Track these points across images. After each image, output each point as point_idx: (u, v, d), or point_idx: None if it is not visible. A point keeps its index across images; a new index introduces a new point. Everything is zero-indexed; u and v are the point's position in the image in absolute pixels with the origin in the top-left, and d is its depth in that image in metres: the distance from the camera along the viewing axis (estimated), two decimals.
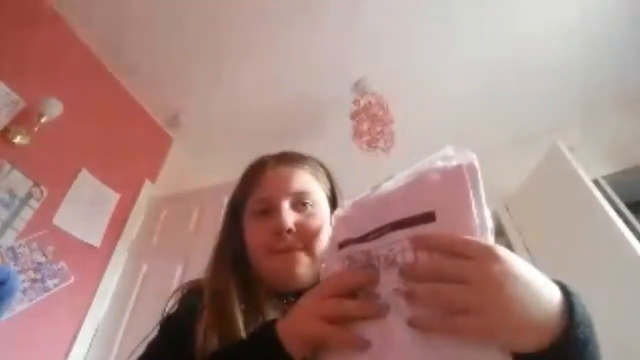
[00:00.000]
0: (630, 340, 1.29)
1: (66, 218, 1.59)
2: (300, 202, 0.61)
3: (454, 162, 0.38)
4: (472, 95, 2.10)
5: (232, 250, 0.63)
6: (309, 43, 1.87)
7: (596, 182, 1.68)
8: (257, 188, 0.63)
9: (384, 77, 1.96)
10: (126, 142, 2.03)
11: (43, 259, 1.46)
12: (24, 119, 1.49)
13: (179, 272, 1.70)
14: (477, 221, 0.34)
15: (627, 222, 1.48)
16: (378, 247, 0.37)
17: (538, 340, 0.30)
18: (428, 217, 0.35)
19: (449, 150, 0.40)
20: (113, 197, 1.85)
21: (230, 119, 2.27)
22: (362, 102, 1.88)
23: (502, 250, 0.32)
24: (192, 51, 1.92)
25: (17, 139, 1.45)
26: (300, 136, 2.33)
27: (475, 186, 0.36)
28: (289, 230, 0.57)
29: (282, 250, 0.57)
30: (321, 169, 0.72)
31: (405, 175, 0.42)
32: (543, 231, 1.81)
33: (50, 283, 1.47)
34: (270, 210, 0.60)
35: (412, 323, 0.32)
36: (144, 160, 2.13)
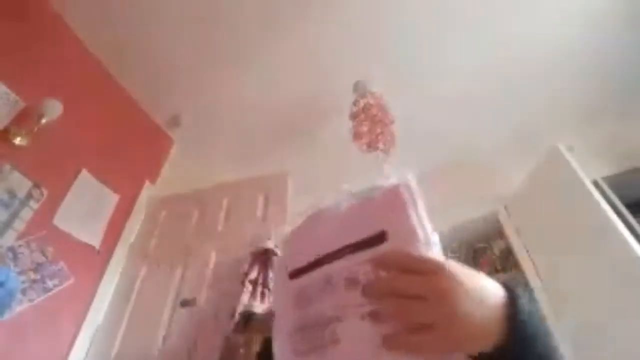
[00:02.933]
0: (630, 340, 1.29)
1: (66, 219, 1.59)
2: None
3: (393, 182, 0.40)
4: (471, 96, 2.10)
5: None
6: (309, 44, 1.87)
7: (595, 183, 1.69)
8: None
9: (384, 78, 1.96)
10: (126, 143, 2.03)
11: (43, 260, 1.46)
12: (24, 119, 1.49)
13: (178, 273, 1.70)
14: (422, 238, 0.36)
15: (626, 222, 1.49)
16: (335, 271, 0.37)
17: (488, 343, 0.33)
18: (381, 237, 0.36)
19: (387, 170, 0.41)
20: (113, 198, 1.85)
21: (230, 120, 2.27)
22: (362, 103, 1.88)
23: (449, 264, 0.34)
24: (192, 52, 1.93)
25: (17, 140, 1.45)
26: (300, 137, 2.33)
27: (415, 204, 0.38)
28: None
29: None
30: None
31: (349, 198, 0.42)
32: (542, 232, 1.82)
33: (50, 283, 1.46)
34: None
35: (385, 344, 0.32)
36: (144, 161, 2.13)
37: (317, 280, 0.38)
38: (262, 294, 1.37)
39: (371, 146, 1.86)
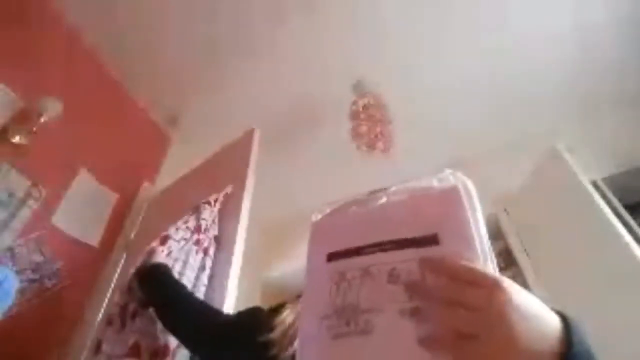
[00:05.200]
0: (629, 341, 1.29)
1: (65, 218, 1.59)
2: None
3: (450, 183, 0.39)
4: (470, 97, 2.10)
5: None
6: (308, 44, 1.87)
7: (595, 184, 1.69)
8: None
9: (383, 79, 1.96)
10: (125, 143, 2.02)
11: (41, 259, 1.46)
12: (22, 118, 1.48)
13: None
14: (479, 248, 0.35)
15: (625, 223, 1.49)
16: (378, 262, 0.37)
17: None
18: (432, 240, 0.36)
19: (446, 174, 0.40)
20: (112, 197, 1.84)
21: (228, 120, 2.27)
22: (361, 102, 1.89)
23: (507, 282, 0.34)
24: (191, 52, 1.92)
25: (16, 139, 1.45)
26: (299, 137, 2.33)
27: (473, 209, 0.37)
28: None
29: None
30: None
31: (400, 191, 0.42)
32: (541, 233, 1.82)
33: (48, 283, 1.46)
34: None
35: (422, 343, 0.33)
36: (142, 161, 2.13)
37: (357, 268, 0.38)
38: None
39: (370, 146, 1.86)
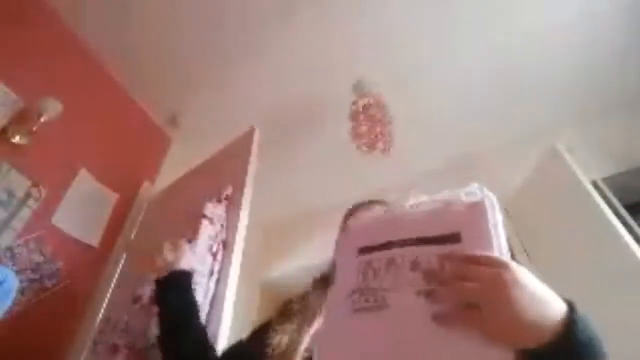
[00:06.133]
0: (629, 340, 1.29)
1: (65, 218, 1.59)
2: None
3: (477, 198, 0.43)
4: (471, 97, 2.10)
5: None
6: (308, 44, 1.87)
7: (595, 184, 1.69)
8: None
9: (383, 78, 1.97)
10: (125, 143, 2.03)
11: (41, 259, 1.46)
12: (22, 118, 1.48)
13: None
14: (497, 253, 0.39)
15: (625, 224, 1.49)
16: (403, 254, 0.41)
17: (537, 337, 0.35)
18: (454, 238, 0.40)
19: (473, 188, 0.45)
20: (112, 197, 1.84)
21: (229, 120, 2.27)
22: (361, 103, 1.88)
23: (516, 265, 0.38)
24: (191, 52, 1.92)
25: (16, 139, 1.45)
26: (299, 137, 2.33)
27: (495, 221, 0.41)
28: None
29: None
30: None
31: (429, 202, 0.46)
32: (541, 233, 1.82)
33: (48, 283, 1.46)
34: None
35: (435, 318, 0.36)
36: (142, 161, 2.13)
37: (384, 258, 0.43)
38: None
39: (370, 146, 1.86)
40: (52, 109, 1.53)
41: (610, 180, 1.81)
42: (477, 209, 0.42)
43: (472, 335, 0.35)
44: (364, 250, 0.45)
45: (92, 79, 1.91)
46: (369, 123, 1.84)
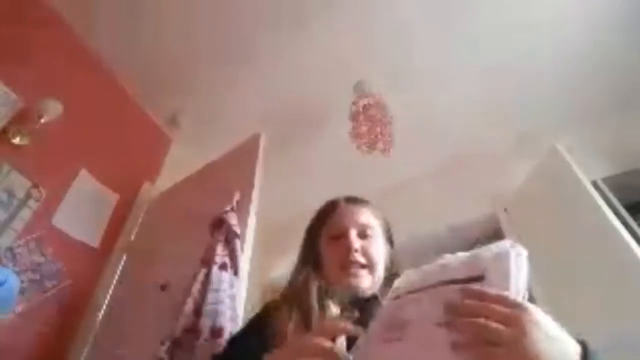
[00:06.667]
0: (630, 341, 1.29)
1: (65, 219, 1.59)
2: (363, 233, 0.82)
3: (506, 249, 0.46)
4: (471, 98, 2.10)
5: (309, 265, 0.83)
6: (308, 45, 1.87)
7: (595, 184, 1.69)
8: (331, 220, 0.85)
9: (384, 79, 1.97)
10: (125, 143, 2.03)
11: (42, 260, 1.46)
12: (23, 119, 1.48)
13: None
14: (513, 292, 0.41)
15: (625, 224, 1.49)
16: (429, 292, 0.46)
17: None
18: (478, 279, 0.43)
19: (504, 242, 0.48)
20: (112, 198, 1.85)
21: (229, 120, 2.27)
22: (362, 103, 1.89)
23: (533, 308, 0.40)
24: (192, 52, 1.93)
25: (17, 140, 1.45)
26: (299, 137, 2.33)
27: (518, 270, 0.43)
28: (356, 250, 0.78)
29: (351, 263, 0.76)
30: (378, 211, 0.91)
31: (463, 255, 0.50)
32: (542, 233, 1.82)
33: (48, 283, 1.46)
34: (341, 237, 0.81)
35: (455, 347, 0.38)
36: (143, 161, 2.13)
37: (411, 298, 0.48)
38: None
39: (370, 146, 1.86)
40: (53, 109, 1.53)
41: (610, 180, 1.81)
42: (502, 256, 0.45)
43: None
44: (396, 298, 0.51)
45: (93, 80, 1.91)
46: (369, 123, 1.84)
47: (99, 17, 1.80)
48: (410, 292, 0.49)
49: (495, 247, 0.48)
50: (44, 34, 1.69)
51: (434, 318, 0.42)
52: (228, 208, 1.31)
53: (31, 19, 1.65)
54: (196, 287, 1.09)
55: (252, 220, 1.36)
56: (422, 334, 0.42)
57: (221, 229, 1.25)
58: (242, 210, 1.38)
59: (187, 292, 1.09)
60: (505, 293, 0.41)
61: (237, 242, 1.23)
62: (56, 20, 1.76)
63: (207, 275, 1.11)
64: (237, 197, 1.40)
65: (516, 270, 0.43)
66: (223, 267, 1.15)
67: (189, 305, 1.06)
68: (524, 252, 0.46)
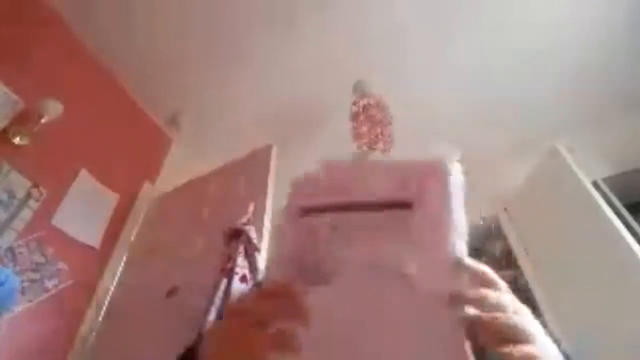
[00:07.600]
0: (630, 341, 1.29)
1: (65, 219, 1.59)
2: None
3: (438, 156, 0.39)
4: (472, 98, 2.10)
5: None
6: (308, 45, 1.87)
7: (595, 184, 1.69)
8: None
9: (384, 80, 1.96)
10: (125, 143, 2.03)
11: (42, 260, 1.46)
12: (23, 119, 1.49)
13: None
14: (447, 223, 0.35)
15: (626, 223, 1.49)
16: (345, 220, 0.38)
17: None
18: (406, 205, 0.36)
19: (439, 152, 0.40)
20: (112, 198, 1.85)
21: (229, 121, 2.27)
22: (362, 103, 1.88)
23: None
24: (191, 53, 1.93)
25: (17, 140, 1.45)
26: (299, 138, 2.33)
27: (453, 183, 0.37)
28: None
29: None
30: None
31: (376, 158, 0.43)
32: (542, 233, 1.82)
33: (49, 284, 1.46)
34: None
35: None
36: (143, 161, 2.13)
37: (326, 225, 0.39)
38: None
39: (370, 147, 1.86)
40: (53, 109, 1.53)
41: (610, 180, 1.80)
42: (434, 167, 0.39)
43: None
44: (306, 211, 0.41)
45: (93, 80, 1.91)
46: (369, 123, 1.84)
47: (99, 18, 1.80)
48: (318, 209, 0.40)
49: (426, 155, 0.40)
50: (44, 34, 1.69)
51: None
52: (244, 220, 1.33)
53: (31, 19, 1.65)
54: (218, 295, 1.13)
55: (267, 232, 1.39)
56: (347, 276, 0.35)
57: (239, 240, 1.27)
58: (257, 223, 1.40)
59: (210, 300, 1.13)
60: (440, 230, 0.35)
61: (257, 257, 1.25)
62: (56, 20, 1.76)
63: (228, 286, 1.16)
64: (251, 208, 1.41)
65: (451, 191, 0.37)
66: (243, 279, 1.18)
67: (212, 315, 1.10)
68: (458, 166, 0.40)
